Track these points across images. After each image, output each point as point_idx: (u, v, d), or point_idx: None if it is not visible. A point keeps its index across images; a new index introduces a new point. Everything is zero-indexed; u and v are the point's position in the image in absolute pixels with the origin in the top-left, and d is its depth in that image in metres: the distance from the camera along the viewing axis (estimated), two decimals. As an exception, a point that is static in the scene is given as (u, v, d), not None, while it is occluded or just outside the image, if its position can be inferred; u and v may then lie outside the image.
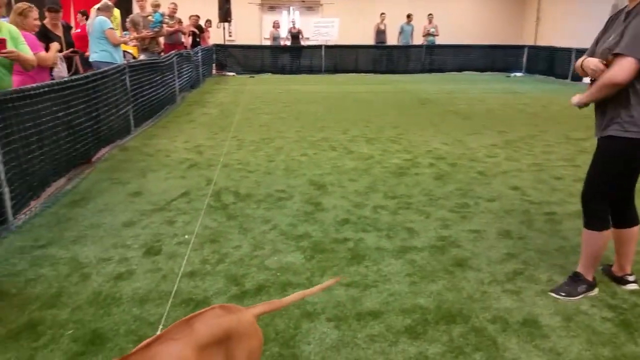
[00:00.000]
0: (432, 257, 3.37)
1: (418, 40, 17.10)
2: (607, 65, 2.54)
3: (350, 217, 4.11)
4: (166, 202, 4.39)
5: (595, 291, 2.89)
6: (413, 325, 2.59)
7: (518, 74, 16.81)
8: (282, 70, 16.62)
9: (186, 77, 11.14)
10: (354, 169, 5.51)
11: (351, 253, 3.43)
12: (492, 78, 15.89)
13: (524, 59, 17.27)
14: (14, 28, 4.18)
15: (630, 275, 2.97)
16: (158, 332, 2.39)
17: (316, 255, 3.39)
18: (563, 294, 2.86)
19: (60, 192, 4.62)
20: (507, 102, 10.32)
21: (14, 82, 4.32)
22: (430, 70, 17.08)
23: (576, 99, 2.77)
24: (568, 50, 14.44)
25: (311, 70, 16.74)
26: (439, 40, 16.96)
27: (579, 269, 2.91)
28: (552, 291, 2.90)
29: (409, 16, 16.50)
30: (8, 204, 3.78)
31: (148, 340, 1.57)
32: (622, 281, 2.97)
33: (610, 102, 2.61)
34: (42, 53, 4.80)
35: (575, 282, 2.88)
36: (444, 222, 4.01)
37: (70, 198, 4.46)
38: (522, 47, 17.49)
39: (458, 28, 18.28)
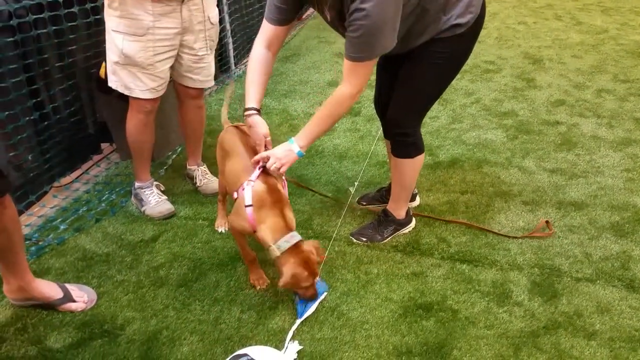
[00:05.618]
0: (662, 155, 2.89)
1: None
2: None
3: (567, 98, 3.66)
4: (369, 64, 4.41)
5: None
6: (621, 223, 2.33)
7: None
8: None
9: None
10: (580, 43, 4.78)
11: (561, 138, 3.11)
12: None
13: None
14: None
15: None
16: (356, 183, 2.57)
17: (520, 136, 3.16)
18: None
19: (275, 47, 4.94)
20: None
21: None
22: None
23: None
24: None
25: None
26: None
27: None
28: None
29: None
30: (231, 53, 4.21)
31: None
32: None
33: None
34: None
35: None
36: (688, 116, 3.35)
37: (283, 54, 4.76)
38: None
39: None
